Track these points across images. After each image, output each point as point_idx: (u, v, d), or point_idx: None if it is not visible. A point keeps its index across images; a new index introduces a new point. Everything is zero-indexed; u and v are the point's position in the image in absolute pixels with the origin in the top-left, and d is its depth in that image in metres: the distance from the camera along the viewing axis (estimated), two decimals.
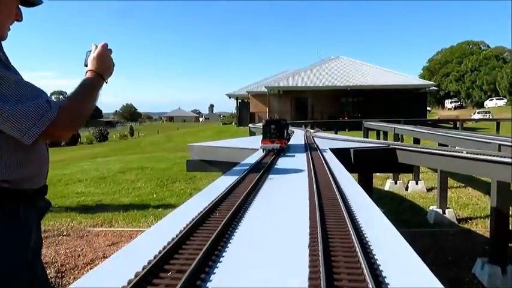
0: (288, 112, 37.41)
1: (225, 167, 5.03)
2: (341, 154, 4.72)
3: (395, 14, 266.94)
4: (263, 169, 3.08)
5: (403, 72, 40.21)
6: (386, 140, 15.57)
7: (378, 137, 17.52)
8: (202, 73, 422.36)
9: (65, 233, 8.35)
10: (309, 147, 4.55)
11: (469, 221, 8.73)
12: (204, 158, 5.36)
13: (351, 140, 6.07)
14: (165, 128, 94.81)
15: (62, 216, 9.51)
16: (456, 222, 8.68)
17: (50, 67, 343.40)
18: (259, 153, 4.32)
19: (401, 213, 9.53)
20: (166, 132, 63.42)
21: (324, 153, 4.21)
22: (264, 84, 39.78)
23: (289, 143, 5.01)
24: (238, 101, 47.39)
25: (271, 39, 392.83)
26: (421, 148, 5.19)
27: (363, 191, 2.33)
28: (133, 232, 8.37)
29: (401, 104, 34.76)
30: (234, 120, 51.42)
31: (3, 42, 1.78)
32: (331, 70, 40.06)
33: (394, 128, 12.66)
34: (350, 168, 4.35)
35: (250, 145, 5.25)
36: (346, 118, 32.55)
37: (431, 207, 9.18)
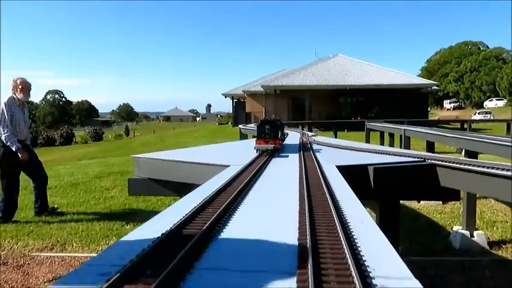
0: (284, 112, 35.78)
1: (186, 189, 3.34)
2: (353, 173, 3.07)
3: (393, 14, 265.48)
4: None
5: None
6: (393, 143, 13.93)
7: (382, 139, 15.87)
8: (200, 73, 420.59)
9: (2, 261, 6.62)
10: (304, 168, 2.87)
11: (503, 246, 7.05)
12: (153, 176, 3.70)
13: (363, 150, 4.37)
14: (162, 127, 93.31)
15: (8, 234, 7.77)
16: (488, 248, 7.01)
17: (49, 66, 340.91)
18: (232, 171, 2.70)
19: (418, 233, 7.85)
20: (161, 132, 61.84)
21: (325, 173, 2.56)
22: (261, 84, 38.08)
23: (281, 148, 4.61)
24: (234, 100, 45.72)
25: (270, 39, 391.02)
26: (485, 167, 3.10)
27: None
28: (88, 259, 6.62)
29: (402, 104, 33.13)
30: (231, 120, 49.77)
31: None
32: (330, 69, 38.38)
33: (405, 129, 10.95)
34: (366, 194, 2.84)
35: (225, 157, 3.60)
36: (358, 118, 30.04)
37: (455, 228, 7.51)
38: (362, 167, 3.23)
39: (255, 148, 4.20)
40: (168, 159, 3.61)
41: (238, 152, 4.68)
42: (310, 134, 8.69)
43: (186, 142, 35.52)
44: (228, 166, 3.07)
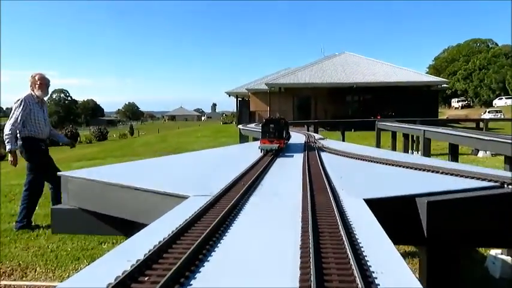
0: (289, 111, 34.50)
1: (134, 228, 2.09)
2: (391, 210, 1.82)
3: (399, 12, 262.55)
4: None
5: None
6: (408, 146, 12.63)
7: (394, 141, 14.56)
8: (205, 72, 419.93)
9: None
10: (312, 215, 1.59)
11: None
12: (86, 205, 2.44)
13: (395, 163, 3.05)
14: (166, 127, 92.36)
15: None
16: None
17: (54, 66, 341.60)
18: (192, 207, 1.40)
19: None
20: (165, 132, 60.78)
21: (351, 225, 1.31)
22: (265, 82, 36.79)
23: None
24: (239, 99, 44.48)
25: (276, 38, 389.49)
26: None
27: None
28: None
29: (412, 102, 31.73)
30: (235, 119, 48.54)
31: None
32: (336, 66, 36.99)
33: (424, 130, 9.53)
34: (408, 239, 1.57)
35: (200, 177, 2.37)
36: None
37: (491, 252, 6.19)
38: (406, 200, 1.97)
39: (259, 148, 4.17)
40: (107, 182, 2.34)
41: (225, 166, 3.48)
42: (317, 136, 7.41)
43: (187, 142, 34.38)
44: (188, 197, 1.84)
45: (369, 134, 30.64)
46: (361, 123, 22.33)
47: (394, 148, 14.04)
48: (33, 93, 6.13)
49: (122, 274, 1.05)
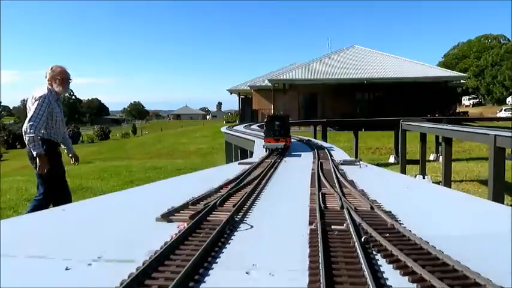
0: (295, 109, 31.51)
1: None
2: None
3: (407, 7, 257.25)
4: None
5: None
6: (450, 153, 9.55)
7: (424, 144, 11.51)
8: (211, 71, 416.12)
9: None
10: None
11: None
12: None
13: None
14: (170, 126, 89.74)
15: None
16: None
17: (62, 65, 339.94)
18: None
19: None
20: (167, 131, 58.10)
21: None
22: (268, 78, 33.75)
23: None
24: (241, 97, 41.47)
25: (281, 35, 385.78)
26: None
27: None
28: None
29: (427, 99, 28.61)
30: (238, 118, 45.60)
31: None
32: (345, 61, 33.82)
33: (495, 135, 6.25)
34: None
35: None
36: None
37: None
38: None
39: (264, 147, 4.15)
40: None
41: None
42: (338, 155, 4.42)
43: (184, 143, 31.52)
44: None
45: (380, 134, 27.63)
46: (378, 123, 19.19)
47: (424, 154, 10.99)
48: (52, 89, 5.19)
49: None
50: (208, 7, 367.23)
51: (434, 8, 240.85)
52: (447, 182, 9.00)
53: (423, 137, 11.30)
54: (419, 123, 11.53)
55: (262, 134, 4.94)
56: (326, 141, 20.08)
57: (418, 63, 32.44)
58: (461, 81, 35.34)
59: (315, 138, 19.95)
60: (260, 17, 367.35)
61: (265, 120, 4.22)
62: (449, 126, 9.19)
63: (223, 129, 10.70)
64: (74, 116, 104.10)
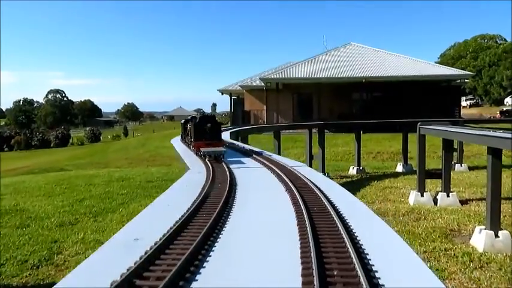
0: (288, 110, 29.06)
1: None
2: None
3: (402, 7, 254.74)
4: None
5: None
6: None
7: (448, 153, 9.04)
8: (206, 72, 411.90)
9: None
10: None
11: None
12: None
13: None
14: (163, 127, 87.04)
15: None
16: None
17: (59, 67, 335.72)
18: None
19: None
20: (160, 132, 55.53)
21: None
22: (260, 77, 31.19)
23: None
24: (233, 97, 38.87)
25: (276, 35, 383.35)
26: None
27: None
28: None
29: (430, 99, 26.24)
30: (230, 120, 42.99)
31: None
32: (341, 59, 31.35)
33: None
34: None
35: None
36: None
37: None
38: None
39: (202, 154, 3.51)
40: None
41: None
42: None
43: (168, 147, 28.90)
44: None
45: (380, 137, 25.17)
46: (382, 125, 16.70)
47: (448, 166, 8.48)
48: None
49: None
50: (208, 7, 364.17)
51: (430, 8, 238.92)
52: (495, 201, 6.48)
53: (448, 144, 8.82)
54: (444, 127, 8.99)
55: (180, 137, 3.09)
56: (323, 147, 17.53)
57: (418, 60, 30.05)
58: (466, 80, 32.95)
59: (310, 142, 17.35)
60: (260, 17, 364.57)
61: (190, 121, 3.67)
62: (499, 133, 6.68)
63: (174, 140, 8.13)
64: (65, 118, 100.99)
